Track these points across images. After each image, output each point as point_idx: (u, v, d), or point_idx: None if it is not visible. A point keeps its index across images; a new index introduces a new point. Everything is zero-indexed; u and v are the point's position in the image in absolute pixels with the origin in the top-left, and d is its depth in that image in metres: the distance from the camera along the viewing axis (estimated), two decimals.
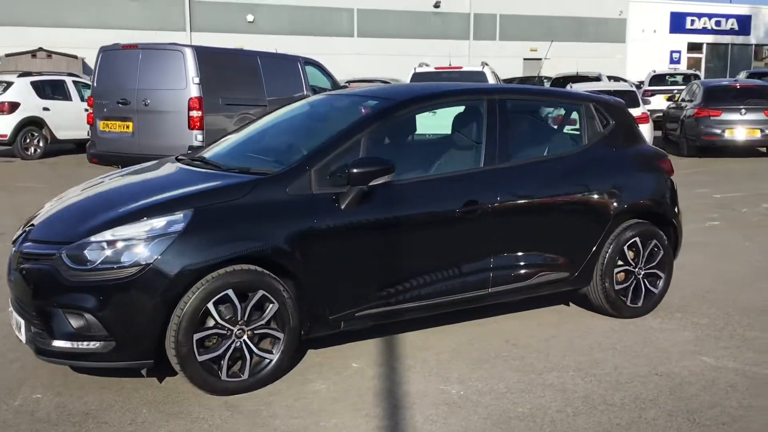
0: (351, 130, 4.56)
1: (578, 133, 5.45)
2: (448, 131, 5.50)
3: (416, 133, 5.59)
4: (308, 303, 4.28)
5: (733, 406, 4.04)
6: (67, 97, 17.13)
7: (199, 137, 10.82)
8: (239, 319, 4.07)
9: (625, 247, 5.36)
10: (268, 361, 4.18)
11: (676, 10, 41.76)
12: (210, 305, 3.97)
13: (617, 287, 5.38)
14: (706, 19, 42.25)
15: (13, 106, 16.27)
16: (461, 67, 15.04)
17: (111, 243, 3.91)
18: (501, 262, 4.90)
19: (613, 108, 5.59)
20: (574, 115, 5.50)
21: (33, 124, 16.47)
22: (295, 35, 31.21)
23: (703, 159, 16.17)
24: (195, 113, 10.81)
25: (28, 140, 16.46)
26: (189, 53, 10.95)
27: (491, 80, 14.48)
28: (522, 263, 4.99)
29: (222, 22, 30.58)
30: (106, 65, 11.57)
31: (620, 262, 5.39)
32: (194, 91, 10.83)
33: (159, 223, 3.95)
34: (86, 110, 13.24)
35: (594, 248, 5.24)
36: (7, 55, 26.13)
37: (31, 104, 16.53)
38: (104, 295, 3.86)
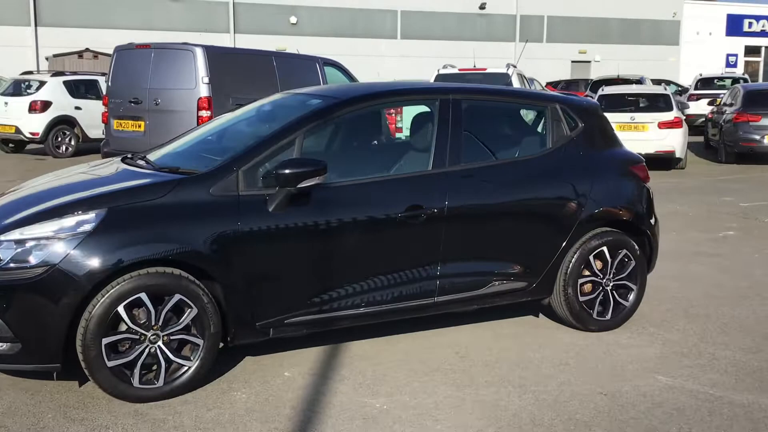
0: (284, 130, 4.40)
1: (542, 135, 5.17)
2: None
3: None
4: (232, 309, 4.12)
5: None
6: (99, 96, 17.31)
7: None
8: (153, 323, 3.93)
9: (591, 257, 5.08)
10: (185, 368, 4.04)
11: (733, 12, 40.55)
12: (121, 308, 3.84)
13: (582, 298, 5.09)
14: (765, 21, 40.88)
15: (46, 105, 16.58)
16: (485, 69, 14.72)
17: (20, 242, 3.81)
18: (449, 270, 4.67)
19: (583, 110, 5.30)
20: (539, 117, 5.22)
21: (65, 122, 16.76)
22: (337, 37, 31.24)
23: (741, 166, 15.55)
24: (204, 113, 10.75)
25: (59, 138, 16.75)
26: (199, 53, 10.90)
27: (516, 82, 14.15)
28: (473, 272, 4.76)
29: (265, 23, 30.78)
30: (121, 64, 11.63)
31: (586, 273, 5.11)
32: (204, 91, 10.78)
33: (69, 222, 3.84)
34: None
35: (555, 257, 4.97)
36: (55, 56, 26.77)
37: (63, 103, 16.81)
38: (10, 295, 3.76)
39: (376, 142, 5.26)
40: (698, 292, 6.19)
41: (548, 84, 30.80)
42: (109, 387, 3.89)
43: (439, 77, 14.59)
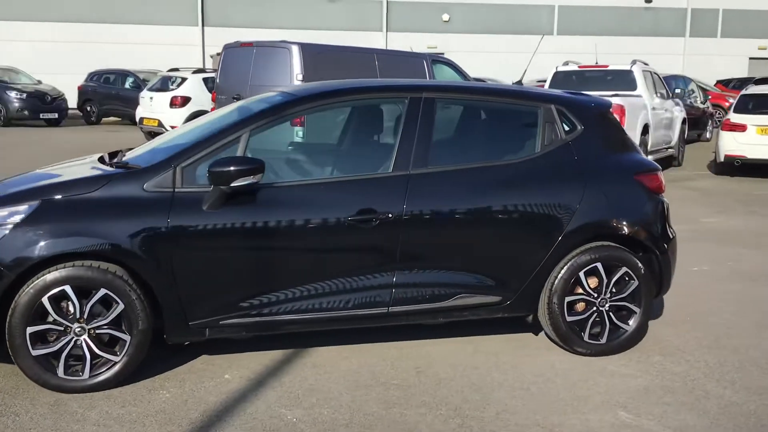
0: (230, 127, 4.31)
1: (529, 139, 4.73)
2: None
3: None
4: (164, 306, 4.09)
5: None
6: None
7: (300, 134, 10.91)
8: (79, 316, 3.98)
9: (583, 273, 4.60)
10: (111, 363, 4.06)
11: None
12: (45, 300, 3.91)
13: (571, 318, 4.63)
14: None
15: (185, 100, 17.53)
16: (607, 66, 13.88)
17: None
18: (406, 280, 4.39)
19: (585, 111, 4.80)
20: (528, 119, 4.78)
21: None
22: (491, 34, 30.80)
23: None
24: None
25: None
26: (295, 50, 11.08)
27: (640, 81, 13.25)
28: (435, 282, 4.44)
29: (417, 21, 30.87)
30: (228, 62, 12.05)
31: (579, 290, 4.64)
32: None
33: (2, 212, 3.96)
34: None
35: (536, 271, 4.55)
36: (218, 54, 28.25)
37: (202, 98, 17.66)
38: None
39: (336, 141, 5.04)
40: (746, 321, 5.47)
41: (718, 82, 28.71)
42: (33, 375, 3.98)
43: (557, 75, 13.93)
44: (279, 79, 11.14)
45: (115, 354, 4.06)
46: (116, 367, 4.06)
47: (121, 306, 4.00)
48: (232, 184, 4.02)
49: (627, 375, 4.44)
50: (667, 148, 14.78)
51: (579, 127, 4.72)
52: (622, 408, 3.99)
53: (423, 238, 4.39)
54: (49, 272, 3.91)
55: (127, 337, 4.04)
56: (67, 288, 3.93)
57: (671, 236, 4.87)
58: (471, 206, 4.44)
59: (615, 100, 11.58)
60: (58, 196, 4.04)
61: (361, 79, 5.78)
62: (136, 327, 4.04)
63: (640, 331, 4.76)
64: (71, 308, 3.98)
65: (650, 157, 13.00)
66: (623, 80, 13.34)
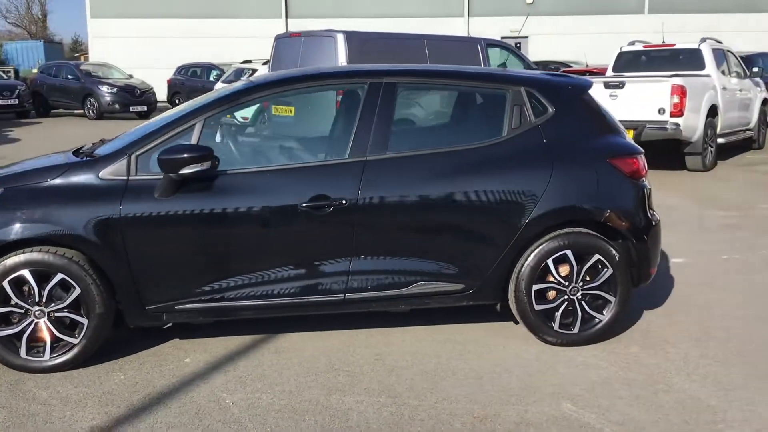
0: (184, 116, 4.38)
1: (496, 122, 4.59)
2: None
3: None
4: (119, 291, 4.21)
5: None
6: None
7: None
8: (38, 300, 4.15)
9: (551, 261, 4.45)
10: (71, 345, 4.21)
11: None
12: (5, 283, 4.10)
13: (539, 307, 4.49)
14: None
15: None
16: (674, 45, 13.26)
17: None
18: (363, 267, 4.35)
19: (557, 93, 4.62)
20: (496, 102, 4.63)
21: None
22: (576, 15, 29.95)
23: None
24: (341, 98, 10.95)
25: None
26: (340, 38, 11.13)
27: (709, 59, 12.60)
28: (393, 270, 4.38)
29: (499, 5, 30.37)
30: (279, 52, 12.21)
31: (550, 278, 4.49)
32: None
33: None
34: None
35: (500, 258, 4.42)
36: None
37: None
38: None
39: (295, 128, 5.01)
40: (749, 313, 5.17)
41: None
42: None
43: (621, 55, 13.44)
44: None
45: (74, 336, 4.21)
46: (75, 350, 4.21)
47: (78, 290, 4.14)
48: (180, 172, 4.09)
49: (592, 366, 4.27)
50: (744, 130, 14.04)
51: (550, 110, 4.55)
52: (569, 400, 3.84)
53: (379, 225, 4.34)
54: (9, 257, 4.09)
55: (85, 321, 4.18)
56: (26, 272, 4.10)
57: (652, 223, 4.63)
58: (430, 192, 4.35)
59: (675, 81, 11.12)
60: (20, 185, 4.22)
61: (323, 66, 5.73)
62: (94, 311, 4.17)
63: (613, 322, 4.56)
64: (32, 292, 4.15)
65: (721, 140, 12.42)
66: (691, 59, 12.74)
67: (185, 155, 4.08)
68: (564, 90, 4.67)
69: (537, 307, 4.48)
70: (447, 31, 28.68)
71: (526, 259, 4.44)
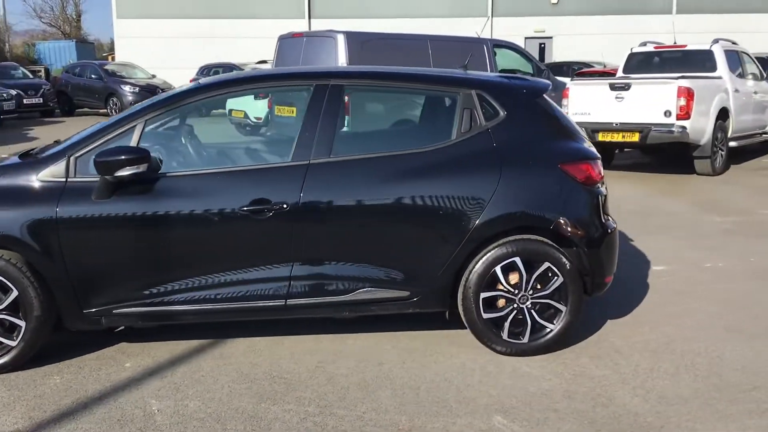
0: (124, 117, 4.34)
1: (445, 126, 4.48)
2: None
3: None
4: (57, 294, 4.18)
5: None
6: None
7: (346, 122, 10.91)
8: None
9: (499, 268, 4.33)
10: (9, 348, 4.19)
11: None
12: None
13: (487, 315, 4.38)
14: None
15: None
16: (685, 46, 12.98)
17: None
18: (304, 272, 4.27)
19: (510, 96, 4.49)
20: (446, 105, 4.52)
21: None
22: (603, 15, 29.56)
23: None
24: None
25: None
26: (341, 39, 11.07)
27: (721, 61, 12.31)
28: (335, 275, 4.30)
29: (523, 5, 30.08)
30: (282, 52, 12.18)
31: (500, 286, 4.37)
32: None
33: None
34: None
35: (446, 265, 4.31)
36: None
37: None
38: None
39: (237, 131, 4.93)
40: (718, 324, 5.00)
41: None
42: None
43: (631, 57, 13.20)
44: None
45: (12, 339, 4.19)
46: (13, 352, 4.19)
47: (16, 292, 4.12)
48: (116, 174, 4.05)
49: (536, 377, 4.14)
50: (761, 134, 13.70)
51: (501, 113, 4.43)
52: (502, 413, 3.72)
53: (321, 230, 4.26)
54: None
55: (23, 324, 4.16)
56: None
57: (607, 230, 4.49)
58: (374, 197, 4.26)
59: (682, 83, 10.88)
60: None
61: (273, 68, 5.65)
62: (32, 313, 4.15)
63: (565, 331, 4.42)
64: None
65: (734, 144, 12.12)
66: (702, 61, 12.46)
67: (121, 157, 4.04)
68: (517, 93, 4.55)
69: (485, 316, 4.37)
70: (470, 31, 28.51)
71: (473, 267, 4.33)
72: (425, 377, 4.15)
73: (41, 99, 24.01)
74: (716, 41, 12.65)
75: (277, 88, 4.74)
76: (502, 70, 13.29)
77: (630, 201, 9.59)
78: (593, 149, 4.62)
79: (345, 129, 4.64)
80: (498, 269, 4.33)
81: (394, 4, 29.93)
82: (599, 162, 4.55)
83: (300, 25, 30.04)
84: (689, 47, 12.83)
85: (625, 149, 13.08)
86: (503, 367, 4.29)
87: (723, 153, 11.85)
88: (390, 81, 4.60)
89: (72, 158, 4.20)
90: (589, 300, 5.04)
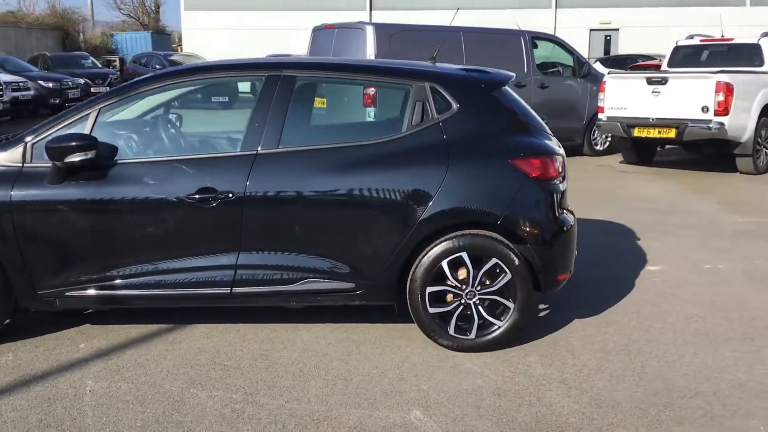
0: (80, 106, 4.45)
1: (397, 118, 4.44)
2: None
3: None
4: (12, 275, 4.32)
5: None
6: None
7: (372, 114, 10.92)
8: None
9: (445, 263, 4.28)
10: None
11: None
12: None
13: (434, 309, 4.33)
14: None
15: None
16: (732, 39, 12.48)
17: None
18: (250, 261, 4.32)
19: (463, 89, 4.42)
20: (398, 98, 4.47)
21: None
22: (674, 6, 28.67)
23: None
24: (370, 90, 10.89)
25: None
26: (369, 31, 11.08)
27: None
28: (280, 265, 4.32)
29: None
30: (315, 44, 12.25)
31: (449, 282, 4.32)
32: None
33: None
34: None
35: (391, 258, 4.29)
36: None
37: None
38: None
39: (191, 120, 4.97)
40: (689, 328, 4.83)
41: None
42: None
43: (677, 50, 12.80)
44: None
45: None
46: None
47: None
48: (66, 160, 4.17)
49: (475, 374, 4.08)
50: None
51: (454, 106, 4.37)
52: (423, 408, 3.69)
53: (267, 220, 4.29)
54: None
55: None
56: None
57: (563, 228, 4.38)
58: (320, 188, 4.27)
59: (721, 78, 10.50)
60: None
61: (225, 59, 5.66)
62: None
63: (514, 329, 4.34)
64: None
65: None
66: (750, 55, 11.98)
67: (70, 143, 4.15)
68: (471, 86, 4.47)
69: (431, 310, 4.33)
70: (534, 24, 28.09)
71: (420, 261, 4.29)
72: (362, 369, 4.14)
73: (108, 88, 24.78)
74: (765, 35, 12.13)
75: (231, 78, 4.74)
76: (542, 63, 13.07)
77: (658, 199, 9.32)
78: (552, 144, 4.51)
79: (315, 119, 4.67)
80: (445, 264, 4.27)
81: None
82: (557, 157, 4.44)
83: (362, 17, 30.15)
84: (736, 41, 12.35)
85: (667, 146, 12.68)
86: (446, 362, 4.24)
87: (767, 151, 11.36)
88: (343, 72, 4.59)
89: (29, 144, 4.33)
90: (561, 297, 4.98)
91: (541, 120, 4.78)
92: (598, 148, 13.59)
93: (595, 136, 13.40)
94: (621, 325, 4.82)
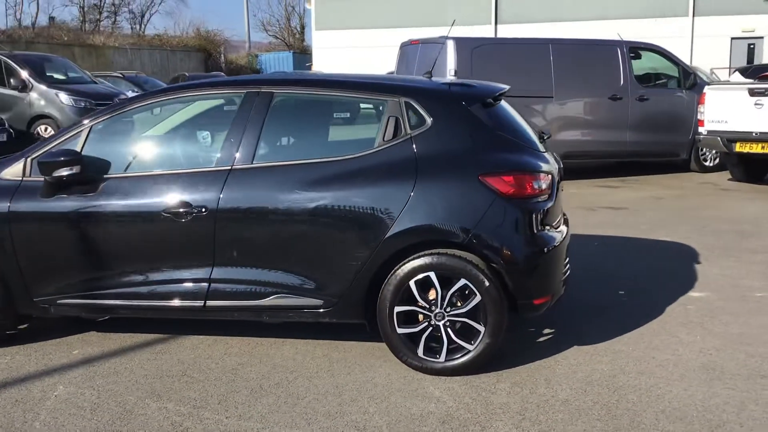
0: (77, 123, 4.67)
1: (370, 134, 4.35)
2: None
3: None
4: (9, 282, 4.58)
5: None
6: None
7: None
8: None
9: (413, 282, 4.16)
10: None
11: None
12: None
13: (401, 330, 4.22)
14: None
15: None
16: None
17: None
18: (222, 275, 4.37)
19: (438, 104, 4.29)
20: (373, 113, 4.39)
21: None
22: (746, 14, 26.63)
23: None
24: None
25: None
26: (450, 45, 11.00)
27: None
28: (250, 280, 4.35)
29: (731, 2, 27.67)
30: (402, 58, 12.31)
31: (419, 302, 4.20)
32: None
33: None
34: None
35: (357, 276, 4.21)
36: None
37: None
38: None
39: (176, 137, 5.01)
40: (695, 363, 4.45)
41: None
42: None
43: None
44: (436, 75, 11.08)
45: None
46: None
47: None
48: (54, 174, 4.39)
49: (429, 398, 3.93)
50: None
51: (428, 121, 4.25)
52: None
53: (239, 235, 4.34)
54: None
55: None
56: None
57: (540, 248, 4.15)
58: (288, 204, 4.26)
59: None
60: None
61: (211, 77, 5.69)
62: None
63: (487, 352, 4.14)
64: None
65: None
66: None
67: (57, 159, 4.37)
68: (448, 100, 4.33)
69: (399, 330, 4.21)
70: (669, 32, 26.88)
71: (388, 279, 4.19)
72: (320, 389, 4.08)
73: None
74: None
75: (212, 96, 4.83)
76: (643, 75, 12.47)
77: (744, 221, 8.64)
78: (533, 161, 4.28)
79: (289, 138, 4.69)
80: (412, 283, 4.15)
81: (585, 7, 28.89)
82: (537, 174, 4.21)
83: (487, 32, 29.94)
84: None
85: None
86: (409, 385, 4.10)
87: None
88: (320, 88, 4.55)
89: (29, 159, 4.60)
90: (573, 322, 4.77)
91: (534, 135, 4.56)
92: (707, 164, 12.77)
93: (704, 151, 12.60)
94: (620, 355, 4.49)
